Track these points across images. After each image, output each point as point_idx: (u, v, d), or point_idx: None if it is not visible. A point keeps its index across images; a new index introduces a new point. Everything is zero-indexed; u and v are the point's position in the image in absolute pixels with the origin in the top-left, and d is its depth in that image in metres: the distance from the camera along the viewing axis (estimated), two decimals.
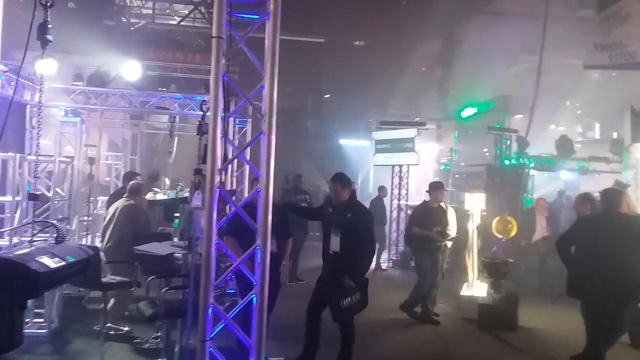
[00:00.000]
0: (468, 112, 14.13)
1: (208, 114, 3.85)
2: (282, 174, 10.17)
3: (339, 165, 16.19)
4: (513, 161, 11.57)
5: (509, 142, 11.98)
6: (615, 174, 10.11)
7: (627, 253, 4.98)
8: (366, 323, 6.21)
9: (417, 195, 13.50)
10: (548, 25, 12.06)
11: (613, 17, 10.22)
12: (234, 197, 8.33)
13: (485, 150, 15.76)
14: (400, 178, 13.02)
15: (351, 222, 5.22)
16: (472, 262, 7.97)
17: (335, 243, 5.19)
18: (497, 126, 12.32)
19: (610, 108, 14.95)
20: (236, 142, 8.88)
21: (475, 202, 8.23)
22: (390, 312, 7.61)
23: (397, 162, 12.75)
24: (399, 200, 13.01)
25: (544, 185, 14.26)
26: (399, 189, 13.05)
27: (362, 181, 18.94)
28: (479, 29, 13.66)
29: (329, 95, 20.53)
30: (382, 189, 12.12)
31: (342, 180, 5.44)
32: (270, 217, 3.19)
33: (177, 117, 9.23)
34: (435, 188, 7.56)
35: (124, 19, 13.36)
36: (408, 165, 12.72)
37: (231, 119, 8.98)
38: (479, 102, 13.87)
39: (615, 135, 14.43)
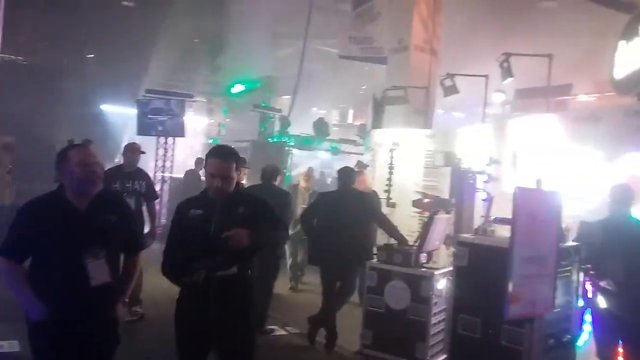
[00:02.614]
0: (237, 88, 14.42)
1: None
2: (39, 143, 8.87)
3: (100, 133, 15.07)
4: (275, 139, 12.20)
5: (273, 120, 12.58)
6: (360, 155, 11.36)
7: (357, 224, 5.67)
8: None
9: (184, 168, 13.35)
10: (313, 15, 12.90)
11: (366, 14, 11.37)
12: None
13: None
14: (166, 150, 12.71)
15: (254, 216, 3.19)
16: None
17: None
18: (263, 104, 12.83)
19: (364, 96, 16.73)
20: None
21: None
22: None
23: (163, 133, 12.40)
24: (162, 172, 12.70)
25: (303, 163, 15.35)
26: (164, 161, 12.74)
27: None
28: (248, 9, 13.96)
29: (92, 56, 18.83)
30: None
31: (236, 156, 3.23)
32: None
33: None
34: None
35: None
36: (174, 137, 12.49)
37: None
38: (247, 79, 14.24)
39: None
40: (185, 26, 15.43)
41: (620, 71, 5.49)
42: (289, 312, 6.86)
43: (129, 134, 17.26)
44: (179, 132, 12.22)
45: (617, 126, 4.91)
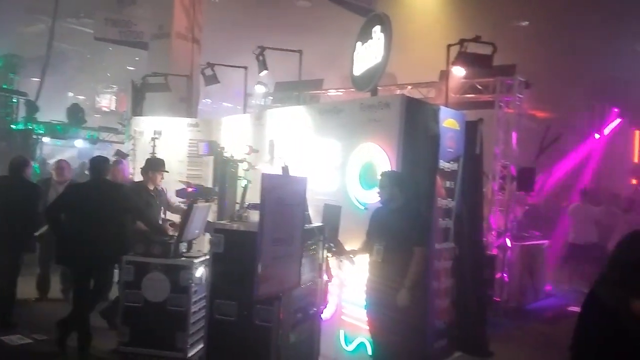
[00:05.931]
0: None
1: None
2: None
3: None
4: (20, 126, 10.81)
5: (17, 105, 11.11)
6: (121, 144, 10.74)
7: (111, 217, 5.32)
8: None
9: None
10: None
11: None
12: None
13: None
14: None
15: None
16: None
17: None
18: (4, 87, 11.22)
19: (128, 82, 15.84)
20: None
21: None
22: None
23: None
24: None
25: (58, 153, 13.96)
26: None
27: None
28: None
29: None
30: None
31: None
32: None
33: None
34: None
35: None
36: None
37: None
38: None
39: None
40: None
41: (358, 69, 6.17)
42: (35, 319, 6.18)
43: None
44: None
45: (354, 118, 5.49)
